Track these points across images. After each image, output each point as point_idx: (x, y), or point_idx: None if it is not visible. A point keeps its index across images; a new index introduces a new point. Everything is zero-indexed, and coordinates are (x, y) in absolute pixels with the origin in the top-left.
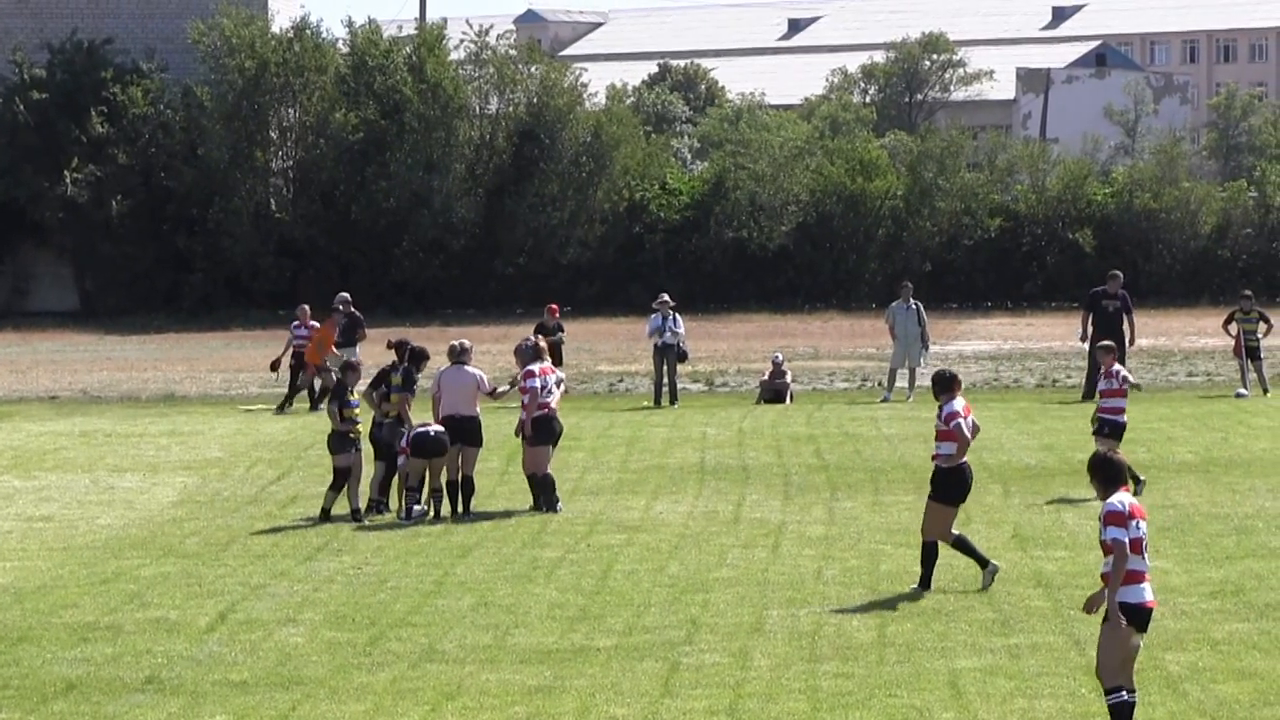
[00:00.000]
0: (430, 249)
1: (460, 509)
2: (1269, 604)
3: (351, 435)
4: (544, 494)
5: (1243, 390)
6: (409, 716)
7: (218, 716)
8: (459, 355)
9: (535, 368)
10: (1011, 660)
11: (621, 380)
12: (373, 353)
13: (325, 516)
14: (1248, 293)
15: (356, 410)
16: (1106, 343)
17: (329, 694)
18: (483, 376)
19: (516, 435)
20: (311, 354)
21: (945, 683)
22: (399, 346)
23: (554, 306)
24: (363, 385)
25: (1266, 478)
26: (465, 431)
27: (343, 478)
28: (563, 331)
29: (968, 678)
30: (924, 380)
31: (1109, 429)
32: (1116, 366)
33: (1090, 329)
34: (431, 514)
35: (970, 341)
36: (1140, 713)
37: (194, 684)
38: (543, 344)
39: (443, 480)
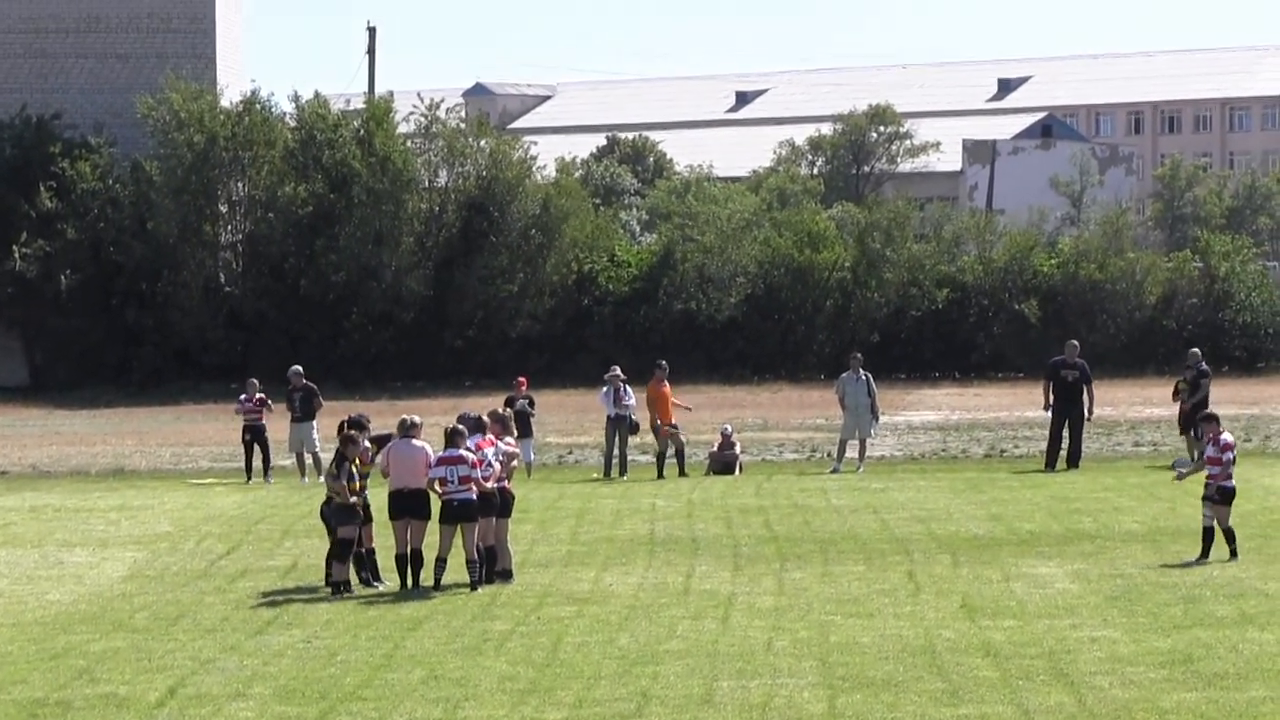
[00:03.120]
0: (380, 321)
1: (410, 582)
2: (1217, 673)
3: (355, 506)
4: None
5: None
6: None
7: None
8: (408, 430)
9: (471, 442)
10: None
11: (571, 452)
12: (327, 425)
13: (339, 589)
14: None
15: (358, 484)
16: (1209, 412)
17: None
18: (430, 451)
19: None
20: (664, 414)
21: None
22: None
23: (523, 380)
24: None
25: (1213, 548)
26: (413, 504)
27: (347, 548)
28: (528, 402)
29: None
30: (874, 451)
31: (1220, 495)
32: (1225, 435)
33: (1051, 398)
34: (412, 582)
35: (919, 412)
36: None
37: None
38: (505, 413)
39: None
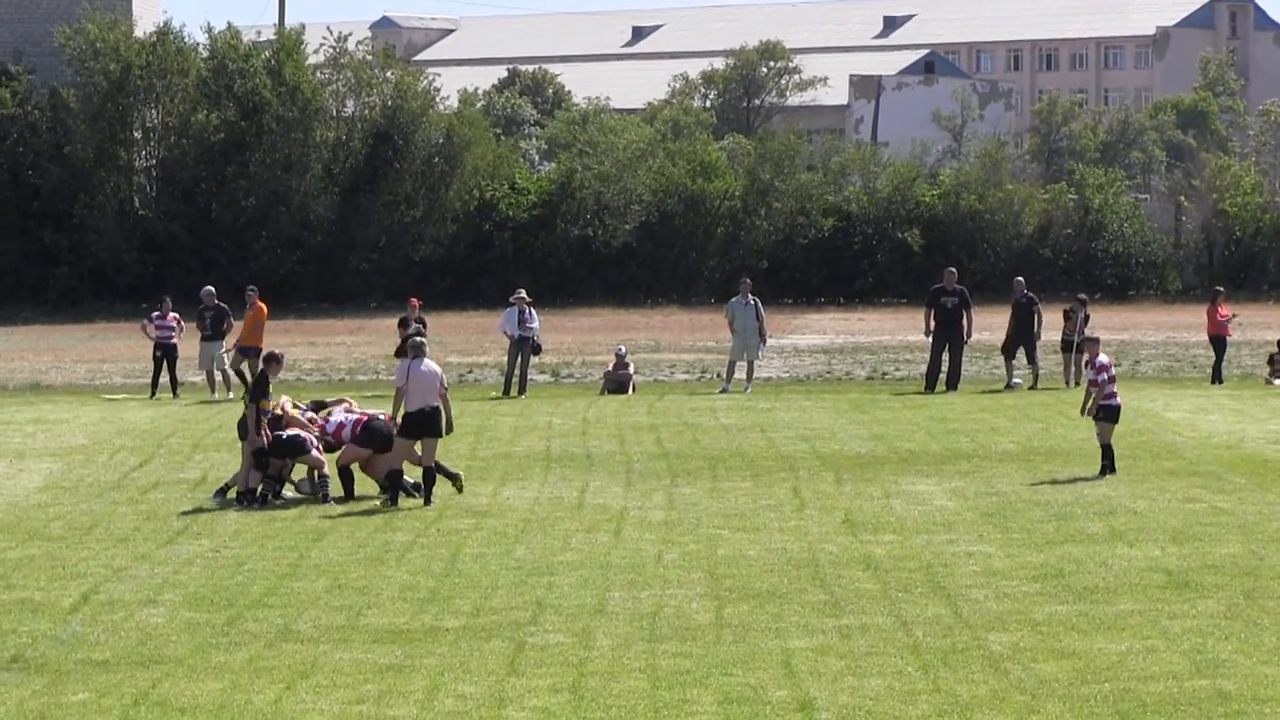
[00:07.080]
0: (288, 245)
1: (425, 498)
2: (1087, 587)
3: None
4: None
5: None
6: (265, 694)
7: (80, 694)
8: (419, 350)
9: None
10: (842, 640)
11: (471, 371)
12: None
13: (253, 497)
14: (1082, 296)
15: (272, 401)
16: (1090, 335)
17: (188, 672)
18: (441, 373)
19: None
20: (252, 338)
21: (779, 662)
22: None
23: (415, 301)
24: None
25: (1085, 466)
26: (431, 423)
27: (260, 459)
28: (423, 325)
29: (800, 657)
30: (761, 372)
31: (1103, 413)
32: (1100, 358)
33: (932, 324)
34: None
35: (805, 335)
36: (963, 690)
37: (57, 663)
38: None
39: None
